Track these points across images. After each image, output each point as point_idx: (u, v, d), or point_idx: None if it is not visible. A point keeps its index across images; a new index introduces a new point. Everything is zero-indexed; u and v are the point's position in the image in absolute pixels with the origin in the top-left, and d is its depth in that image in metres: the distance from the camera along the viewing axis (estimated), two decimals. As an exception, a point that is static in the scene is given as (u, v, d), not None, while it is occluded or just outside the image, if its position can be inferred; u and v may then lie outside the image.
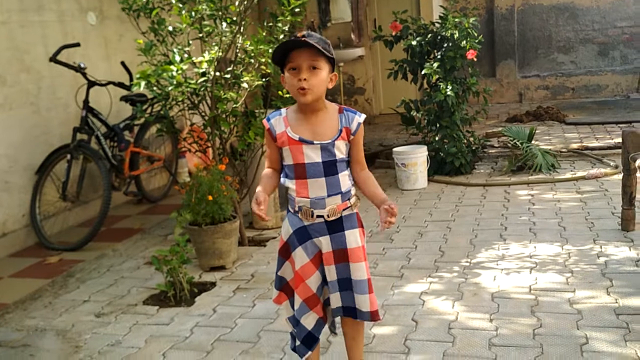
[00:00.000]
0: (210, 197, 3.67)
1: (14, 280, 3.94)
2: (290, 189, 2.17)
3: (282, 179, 2.22)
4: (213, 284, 3.57)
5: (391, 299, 3.14)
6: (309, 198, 2.13)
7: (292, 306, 2.27)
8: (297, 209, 2.16)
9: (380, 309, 2.96)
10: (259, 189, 2.17)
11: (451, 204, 4.75)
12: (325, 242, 2.16)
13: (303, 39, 2.03)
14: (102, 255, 4.26)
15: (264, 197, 2.13)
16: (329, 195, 2.13)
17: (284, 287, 2.29)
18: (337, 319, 2.37)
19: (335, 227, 2.17)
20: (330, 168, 2.12)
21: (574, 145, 6.19)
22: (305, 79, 2.05)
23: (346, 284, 2.20)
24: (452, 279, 3.32)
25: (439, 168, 5.55)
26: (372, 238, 4.10)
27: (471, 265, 3.49)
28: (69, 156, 4.61)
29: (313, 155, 2.11)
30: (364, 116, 2.19)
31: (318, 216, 2.14)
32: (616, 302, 2.87)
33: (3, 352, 2.96)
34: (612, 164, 5.32)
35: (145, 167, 5.45)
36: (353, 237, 2.18)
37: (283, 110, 2.22)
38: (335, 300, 2.22)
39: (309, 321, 2.24)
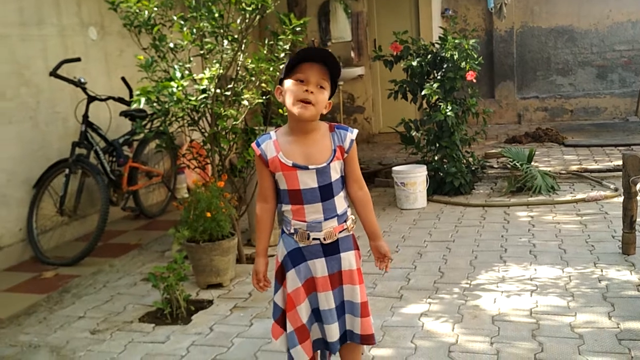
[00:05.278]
0: (208, 214, 3.65)
1: (9, 295, 3.89)
2: (287, 212, 2.13)
3: (277, 205, 2.17)
4: (210, 302, 3.53)
5: (390, 320, 3.10)
6: (305, 222, 2.09)
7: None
8: (292, 231, 2.12)
9: (379, 331, 2.93)
10: (257, 260, 2.28)
11: (451, 224, 4.73)
12: (320, 266, 2.11)
13: (329, 50, 2.03)
14: (99, 270, 4.22)
15: (264, 269, 2.23)
16: (325, 219, 2.09)
17: (280, 319, 2.20)
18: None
19: (331, 249, 2.12)
20: (326, 192, 2.08)
21: (573, 168, 6.19)
22: (312, 92, 2.01)
23: (343, 309, 2.15)
24: (452, 301, 3.29)
25: (438, 188, 5.54)
26: (370, 258, 4.05)
27: (471, 287, 3.46)
28: (67, 170, 4.59)
29: (309, 181, 2.06)
30: (356, 131, 2.15)
31: (314, 239, 2.10)
32: (618, 327, 2.84)
33: (-5, 369, 2.92)
34: (611, 186, 5.31)
35: (143, 182, 5.42)
36: (348, 260, 2.14)
37: (272, 133, 2.14)
38: (333, 333, 2.13)
39: (298, 355, 2.13)
